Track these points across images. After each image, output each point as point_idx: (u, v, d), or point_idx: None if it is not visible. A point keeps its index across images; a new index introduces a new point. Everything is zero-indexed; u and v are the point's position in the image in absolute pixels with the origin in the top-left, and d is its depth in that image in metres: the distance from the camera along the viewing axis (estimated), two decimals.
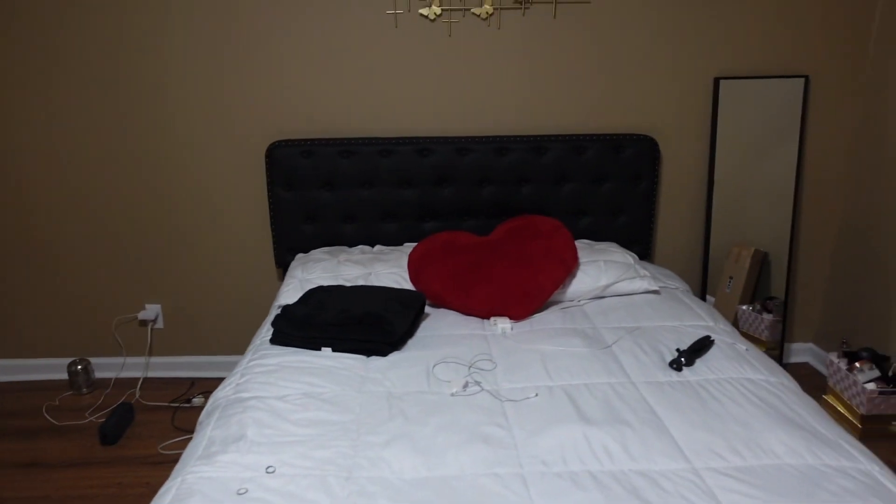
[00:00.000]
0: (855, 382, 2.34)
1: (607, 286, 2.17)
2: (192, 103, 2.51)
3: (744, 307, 2.72)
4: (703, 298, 2.76)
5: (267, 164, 2.50)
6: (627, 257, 2.32)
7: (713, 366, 1.73)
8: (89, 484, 2.13)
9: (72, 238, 2.66)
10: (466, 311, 2.09)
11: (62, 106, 2.50)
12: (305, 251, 2.59)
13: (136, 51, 2.44)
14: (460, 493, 1.27)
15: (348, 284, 2.17)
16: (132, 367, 2.83)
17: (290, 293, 2.17)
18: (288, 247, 2.60)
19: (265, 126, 2.55)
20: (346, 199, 2.54)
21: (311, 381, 1.69)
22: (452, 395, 1.61)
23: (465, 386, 1.65)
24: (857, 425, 2.35)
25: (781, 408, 1.53)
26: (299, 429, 1.49)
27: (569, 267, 2.13)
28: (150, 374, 2.84)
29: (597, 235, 2.62)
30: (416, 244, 2.46)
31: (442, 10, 2.44)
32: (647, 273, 2.24)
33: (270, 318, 2.10)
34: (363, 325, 1.84)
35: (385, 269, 2.27)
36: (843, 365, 2.41)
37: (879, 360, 2.37)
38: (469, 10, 2.44)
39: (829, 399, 2.49)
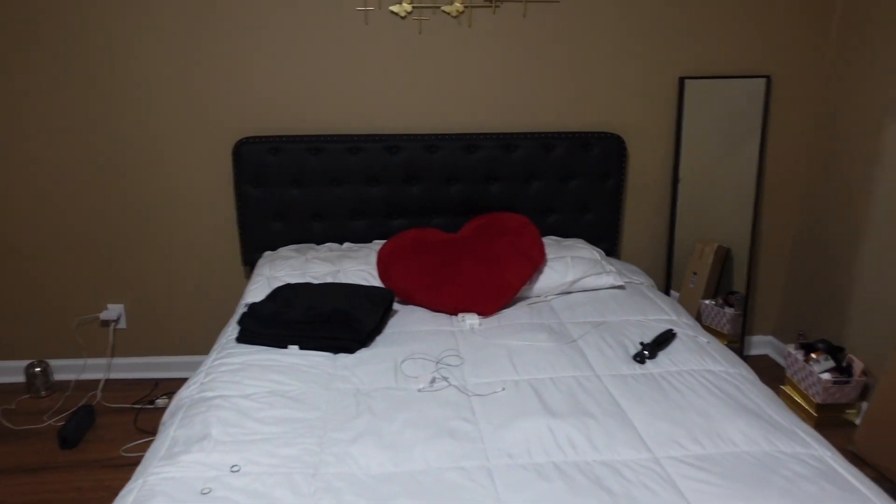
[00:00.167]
0: (811, 373, 2.42)
1: (574, 282, 2.20)
2: (157, 100, 2.46)
3: (707, 302, 2.79)
4: (668, 293, 2.81)
5: (234, 161, 2.47)
6: (594, 253, 2.35)
7: (675, 358, 1.77)
8: (48, 489, 2.08)
9: (31, 235, 2.59)
10: (435, 307, 2.09)
11: (24, 102, 2.43)
12: (273, 249, 2.57)
13: (101, 47, 2.39)
14: (427, 488, 1.28)
15: (316, 282, 2.16)
16: (93, 369, 2.77)
17: (257, 291, 2.15)
18: (255, 244, 2.57)
19: (233, 122, 2.51)
20: (314, 197, 2.53)
21: (277, 379, 1.67)
22: (420, 390, 1.62)
23: (433, 381, 1.65)
24: (813, 414, 2.43)
25: (740, 398, 1.58)
26: (265, 427, 1.48)
27: (536, 263, 2.15)
28: (113, 376, 2.78)
29: (564, 232, 2.65)
30: (384, 241, 2.46)
31: (413, 7, 2.44)
32: (612, 269, 2.28)
33: (237, 316, 2.07)
34: (331, 323, 1.83)
35: (354, 266, 2.27)
36: (800, 356, 2.49)
37: (834, 352, 2.45)
38: (440, 7, 2.45)
39: (787, 389, 2.57)
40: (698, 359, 1.76)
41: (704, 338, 1.90)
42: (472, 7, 2.45)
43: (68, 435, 2.27)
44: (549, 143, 2.54)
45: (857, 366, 2.41)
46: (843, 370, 2.41)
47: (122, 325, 2.73)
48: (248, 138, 2.46)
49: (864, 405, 2.41)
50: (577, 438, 1.42)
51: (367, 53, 2.48)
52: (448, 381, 1.66)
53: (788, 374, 2.56)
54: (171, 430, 1.50)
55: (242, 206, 2.52)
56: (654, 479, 1.30)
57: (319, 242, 2.58)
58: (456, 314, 2.07)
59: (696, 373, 1.70)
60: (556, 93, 2.57)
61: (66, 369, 2.76)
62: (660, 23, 2.53)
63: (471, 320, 1.99)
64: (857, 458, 2.26)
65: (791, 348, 2.55)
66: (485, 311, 2.05)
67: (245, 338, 1.88)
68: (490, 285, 2.07)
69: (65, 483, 2.10)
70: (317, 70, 2.48)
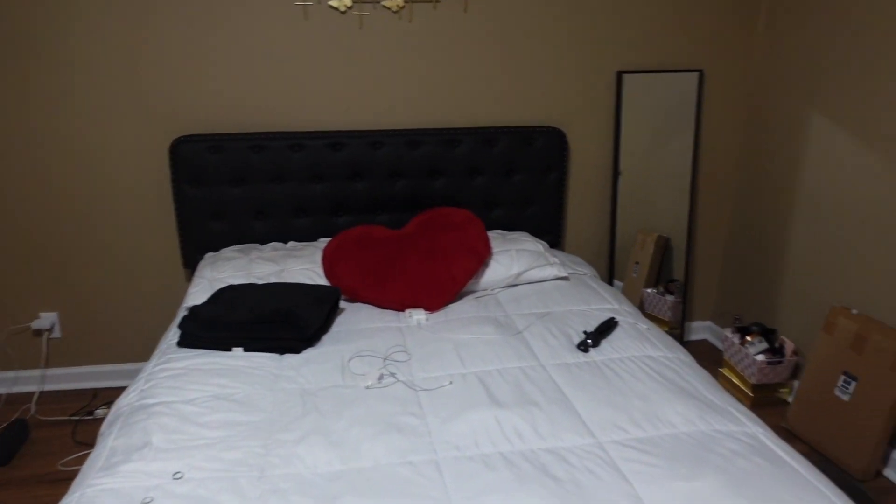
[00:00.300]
0: (747, 355, 2.53)
1: (519, 274, 2.23)
2: (88, 95, 2.36)
3: (649, 290, 2.88)
4: (612, 283, 2.89)
5: (171, 160, 2.39)
6: (538, 246, 2.39)
7: (617, 345, 1.82)
8: None
9: None
10: (382, 304, 2.09)
11: None
12: (215, 250, 2.51)
13: (29, 44, 2.27)
14: (375, 483, 1.28)
15: (260, 282, 2.12)
16: (26, 381, 2.64)
17: (198, 294, 2.10)
18: (196, 246, 2.50)
19: (170, 120, 2.43)
20: (256, 196, 2.48)
21: (221, 383, 1.64)
22: (367, 387, 1.62)
23: (381, 378, 1.65)
24: (749, 394, 2.54)
25: (678, 381, 1.64)
26: (208, 431, 1.44)
27: (481, 257, 2.17)
28: (48, 388, 2.66)
29: (509, 226, 2.68)
30: (329, 239, 2.43)
31: (352, 2, 2.42)
32: (556, 260, 2.32)
33: (178, 320, 2.02)
34: (275, 323, 1.80)
35: (298, 265, 2.24)
36: (736, 339, 2.60)
37: (768, 334, 2.57)
38: (380, 2, 2.43)
39: (725, 371, 2.68)
40: (638, 345, 1.82)
41: (644, 324, 1.96)
42: (413, 2, 2.45)
43: None
44: (492, 137, 2.56)
45: (789, 346, 2.53)
46: (776, 351, 2.53)
47: (57, 333, 2.61)
48: (185, 136, 2.39)
49: (796, 384, 2.54)
50: (523, 428, 1.44)
51: (308, 49, 2.44)
52: (396, 377, 1.66)
53: (726, 357, 2.67)
54: (110, 440, 1.46)
55: (181, 207, 2.45)
56: (597, 463, 1.33)
57: (263, 242, 2.54)
58: (403, 310, 2.07)
59: (636, 359, 1.75)
60: (497, 88, 2.60)
61: None
62: (598, 18, 2.58)
63: (418, 316, 2.00)
64: (790, 434, 2.38)
65: (728, 332, 2.66)
66: (431, 306, 2.06)
67: (187, 342, 1.83)
68: (436, 280, 2.08)
69: None
70: (257, 66, 2.43)
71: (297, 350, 1.80)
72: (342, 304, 2.13)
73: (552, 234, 2.73)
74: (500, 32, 2.54)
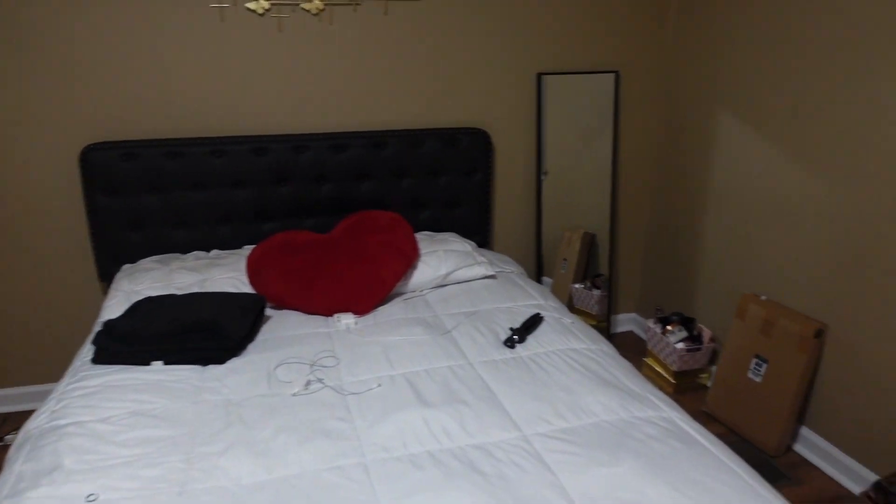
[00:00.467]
0: (668, 343, 2.64)
1: (447, 274, 2.25)
2: None
3: (577, 285, 2.96)
4: (540, 280, 2.96)
5: (82, 168, 2.28)
6: (466, 245, 2.42)
7: (542, 340, 1.86)
8: None
9: None
10: (309, 310, 2.06)
11: None
12: (133, 261, 2.40)
13: None
14: (301, 491, 1.26)
15: (181, 293, 2.05)
16: None
17: (115, 307, 2.01)
18: (112, 257, 2.39)
19: (78, 127, 2.32)
20: (175, 204, 2.39)
21: (139, 399, 1.58)
22: (294, 395, 1.59)
23: (308, 384, 1.63)
24: (671, 381, 2.66)
25: (600, 372, 1.69)
26: (125, 450, 1.39)
27: (409, 259, 2.18)
28: None
29: (437, 227, 2.70)
30: (254, 246, 2.38)
31: (270, 4, 2.37)
32: (484, 259, 2.36)
33: (93, 336, 1.92)
34: (196, 333, 1.75)
35: (222, 273, 2.18)
36: (658, 329, 2.71)
37: (687, 322, 2.70)
38: (299, 5, 2.40)
39: (650, 361, 2.79)
40: (563, 339, 1.87)
41: (569, 318, 2.02)
42: (333, 5, 2.43)
43: None
44: (417, 139, 2.57)
45: (706, 334, 2.66)
46: (695, 339, 2.65)
47: None
48: (96, 144, 2.28)
49: (714, 369, 2.68)
50: (451, 426, 1.46)
51: (226, 52, 2.38)
52: (323, 383, 1.64)
53: (649, 346, 2.79)
54: (17, 465, 1.38)
55: (95, 217, 2.33)
56: (523, 456, 1.36)
57: (185, 251, 2.45)
58: (331, 315, 2.05)
59: (561, 352, 1.80)
60: (421, 90, 2.62)
61: None
62: (517, 20, 2.64)
63: (346, 320, 1.98)
64: (710, 418, 2.51)
65: (650, 322, 2.77)
66: (360, 309, 2.05)
67: (102, 358, 1.75)
68: (364, 284, 2.07)
69: None
70: (172, 70, 2.35)
71: (220, 360, 1.75)
72: (269, 311, 2.08)
73: (480, 234, 2.77)
74: (421, 35, 2.55)
